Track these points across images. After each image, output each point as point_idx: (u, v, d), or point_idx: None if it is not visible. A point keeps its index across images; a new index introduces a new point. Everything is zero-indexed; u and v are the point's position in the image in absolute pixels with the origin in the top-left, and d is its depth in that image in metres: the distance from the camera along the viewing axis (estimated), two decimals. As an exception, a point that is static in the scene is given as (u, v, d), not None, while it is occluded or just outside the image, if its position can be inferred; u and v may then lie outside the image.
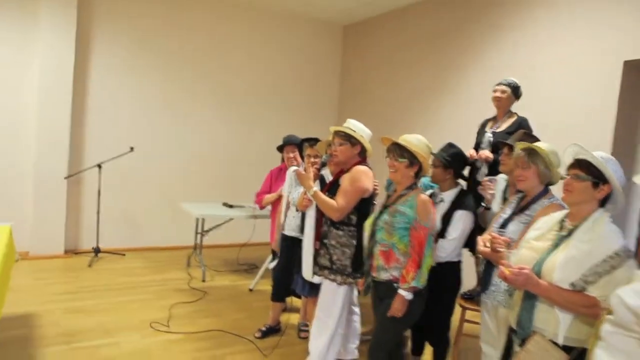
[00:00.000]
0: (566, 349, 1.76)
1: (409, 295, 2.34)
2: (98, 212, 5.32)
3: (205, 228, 5.24)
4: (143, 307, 4.04)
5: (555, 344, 1.79)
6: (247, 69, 6.50)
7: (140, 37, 5.71)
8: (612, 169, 1.80)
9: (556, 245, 1.88)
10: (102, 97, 5.58)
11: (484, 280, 2.51)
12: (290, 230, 3.38)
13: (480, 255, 2.57)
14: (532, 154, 2.28)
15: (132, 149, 5.36)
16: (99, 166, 5.26)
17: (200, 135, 6.23)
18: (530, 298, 1.89)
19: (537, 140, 2.57)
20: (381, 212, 2.48)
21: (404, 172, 2.42)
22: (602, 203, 1.87)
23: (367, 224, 2.53)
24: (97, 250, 5.31)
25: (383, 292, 2.46)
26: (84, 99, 5.48)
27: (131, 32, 5.66)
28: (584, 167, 1.84)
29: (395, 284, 2.39)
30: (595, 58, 3.97)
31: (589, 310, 1.70)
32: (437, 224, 2.73)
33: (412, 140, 2.44)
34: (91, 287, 4.43)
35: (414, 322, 2.51)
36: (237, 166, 6.48)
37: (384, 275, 2.44)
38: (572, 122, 4.07)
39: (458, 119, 5.17)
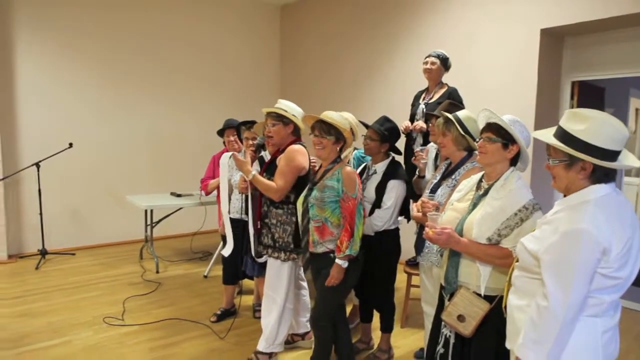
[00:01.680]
0: (488, 298, 1.91)
1: (344, 264, 2.45)
2: (40, 213, 5.15)
3: (155, 219, 5.18)
4: (95, 303, 3.99)
5: (478, 294, 1.94)
6: (184, 54, 6.37)
7: (70, 27, 5.46)
8: (518, 130, 1.94)
9: (475, 204, 2.02)
10: (34, 95, 5.32)
11: (418, 243, 2.65)
12: (235, 213, 3.41)
13: (414, 220, 2.72)
14: (448, 122, 2.41)
15: (71, 145, 5.19)
16: (37, 165, 5.07)
17: (141, 126, 6.09)
18: (454, 255, 2.03)
19: (460, 109, 2.70)
20: (311, 190, 2.57)
21: (332, 149, 2.51)
22: (514, 162, 2.01)
23: (299, 203, 2.61)
24: (43, 252, 5.15)
25: (320, 263, 2.57)
26: (12, 98, 5.23)
27: (60, 23, 5.40)
28: (495, 130, 1.96)
29: (331, 255, 2.49)
30: (515, 27, 4.17)
31: (503, 261, 1.85)
32: (372, 194, 2.85)
33: (336, 117, 2.52)
34: (39, 289, 4.32)
35: (352, 288, 2.62)
36: (183, 154, 6.40)
37: (320, 249, 2.55)
38: (499, 89, 4.28)
39: (396, 92, 5.30)
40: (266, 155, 3.18)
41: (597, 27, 3.87)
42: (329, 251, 2.51)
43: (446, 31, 4.77)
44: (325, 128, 2.49)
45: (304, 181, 2.80)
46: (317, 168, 3.05)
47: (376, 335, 3.23)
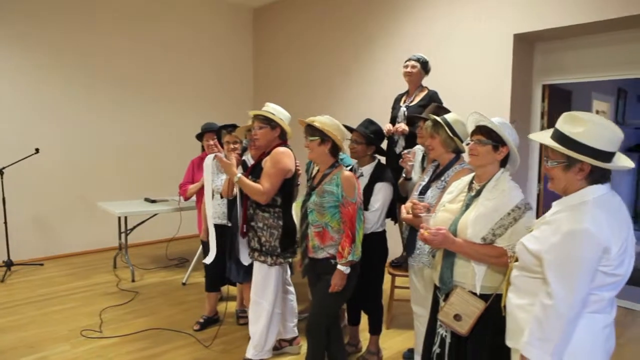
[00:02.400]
0: (483, 296, 1.95)
1: (347, 270, 2.44)
2: (5, 222, 4.91)
3: (129, 226, 5.03)
4: (70, 316, 3.83)
5: (474, 293, 1.97)
6: (155, 57, 6.22)
7: (35, 32, 5.24)
8: (507, 132, 1.99)
9: (467, 205, 2.05)
10: (-4, 98, 5.10)
11: (409, 245, 2.67)
12: (217, 218, 3.35)
13: (404, 222, 2.74)
14: (436, 124, 2.45)
15: (37, 150, 4.97)
16: (1, 172, 4.84)
17: (112, 130, 5.90)
18: (449, 256, 2.05)
19: (447, 112, 2.75)
20: (309, 195, 2.55)
21: (319, 150, 2.49)
22: (503, 163, 2.06)
23: (297, 207, 2.59)
24: (9, 264, 4.91)
25: (320, 269, 2.54)
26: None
27: (23, 27, 5.16)
28: (485, 133, 2.01)
29: (332, 261, 2.47)
30: (490, 33, 4.29)
31: (498, 260, 1.89)
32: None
33: (322, 119, 2.52)
34: (7, 302, 4.11)
35: (351, 293, 2.60)
36: (156, 159, 6.24)
37: (321, 254, 2.52)
38: (476, 92, 4.38)
39: (372, 96, 5.34)
40: (248, 159, 3.14)
41: (564, 33, 4.02)
42: (330, 257, 2.49)
43: (422, 33, 4.84)
44: (310, 130, 2.50)
45: (289, 184, 2.79)
46: (300, 171, 3.05)
47: (363, 337, 3.24)
